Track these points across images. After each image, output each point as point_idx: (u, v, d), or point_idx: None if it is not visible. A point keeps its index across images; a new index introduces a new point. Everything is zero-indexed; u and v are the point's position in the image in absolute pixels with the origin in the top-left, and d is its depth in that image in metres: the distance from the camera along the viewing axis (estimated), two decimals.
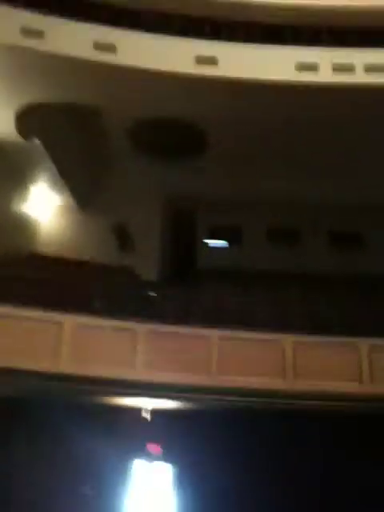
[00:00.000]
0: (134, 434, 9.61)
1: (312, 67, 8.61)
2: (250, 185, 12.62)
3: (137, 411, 9.23)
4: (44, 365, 7.59)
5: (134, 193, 12.80)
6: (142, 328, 8.24)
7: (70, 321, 8.01)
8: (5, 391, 8.57)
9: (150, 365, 8.01)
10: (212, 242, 13.90)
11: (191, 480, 9.81)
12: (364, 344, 8.09)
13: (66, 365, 7.69)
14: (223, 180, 12.65)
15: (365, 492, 8.80)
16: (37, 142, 10.66)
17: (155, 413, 9.25)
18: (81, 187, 12.59)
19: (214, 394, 7.99)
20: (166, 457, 9.93)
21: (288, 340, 8.09)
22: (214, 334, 8.25)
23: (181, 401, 8.54)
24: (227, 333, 8.21)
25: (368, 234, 13.31)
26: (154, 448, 9.93)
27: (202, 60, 8.67)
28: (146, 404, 9.01)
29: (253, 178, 12.47)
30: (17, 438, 9.52)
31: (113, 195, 12.84)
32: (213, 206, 13.37)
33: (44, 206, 12.55)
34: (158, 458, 9.92)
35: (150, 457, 9.93)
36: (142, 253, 12.56)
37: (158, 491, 10.10)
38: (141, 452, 9.82)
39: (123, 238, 12.58)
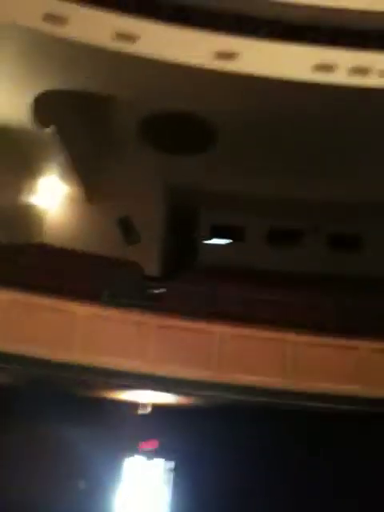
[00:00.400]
0: (132, 428, 9.63)
1: (329, 68, 8.65)
2: (255, 183, 12.69)
3: (136, 405, 9.25)
4: (54, 353, 7.67)
5: (139, 186, 12.84)
6: (150, 321, 8.30)
7: (82, 310, 8.06)
8: (9, 379, 8.60)
9: (155, 358, 8.07)
10: (214, 240, 13.96)
11: (187, 476, 9.84)
12: (364, 345, 8.18)
13: (76, 354, 7.76)
14: (228, 177, 12.71)
15: (363, 489, 8.89)
16: (49, 130, 10.68)
17: (154, 407, 9.27)
18: (88, 178, 12.59)
19: (215, 389, 8.03)
20: (162, 452, 9.96)
21: (289, 338, 8.17)
22: (217, 329, 8.30)
23: (183, 395, 8.56)
24: (230, 329, 8.26)
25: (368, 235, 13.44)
26: (150, 443, 9.95)
27: (221, 55, 8.65)
28: (147, 398, 9.03)
29: (257, 176, 12.55)
30: (15, 427, 9.55)
31: (119, 188, 12.86)
32: (216, 203, 13.43)
33: (51, 196, 12.54)
34: (153, 454, 9.96)
35: (146, 453, 9.96)
36: (144, 246, 12.60)
37: (153, 487, 10.13)
38: (138, 447, 9.85)
39: (127, 230, 12.60)
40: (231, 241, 13.94)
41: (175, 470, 10.00)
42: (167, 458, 10.01)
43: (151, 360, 8.05)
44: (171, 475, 10.04)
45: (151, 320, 8.34)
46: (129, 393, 8.69)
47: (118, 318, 8.30)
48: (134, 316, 8.34)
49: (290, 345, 8.00)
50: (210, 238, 13.96)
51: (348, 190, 12.37)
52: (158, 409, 9.17)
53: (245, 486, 9.38)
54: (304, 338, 8.04)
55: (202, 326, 8.25)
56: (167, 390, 8.34)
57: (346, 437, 8.82)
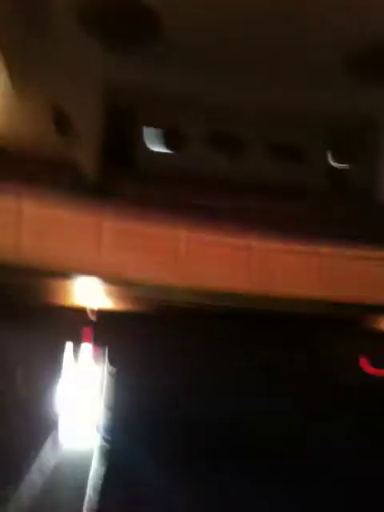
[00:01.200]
0: (78, 334, 9.34)
1: None
2: (199, 83, 11.94)
3: (84, 310, 8.92)
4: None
5: (74, 77, 11.59)
6: (102, 221, 7.88)
7: (29, 210, 7.41)
8: None
9: (109, 259, 7.73)
10: (153, 143, 13.24)
11: (129, 381, 9.79)
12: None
13: (27, 254, 7.16)
14: (170, 74, 11.86)
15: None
16: None
17: (101, 312, 8.99)
18: (15, 65, 11.23)
19: (173, 293, 7.84)
20: (105, 357, 9.80)
21: (254, 244, 8.07)
22: (178, 233, 8.07)
23: (135, 298, 8.30)
24: (192, 234, 8.02)
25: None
26: (94, 348, 9.76)
27: None
28: (95, 302, 8.69)
29: (204, 76, 11.80)
30: None
31: (51, 78, 11.62)
32: (156, 103, 12.58)
33: None
34: (97, 358, 9.79)
35: (89, 355, 9.78)
36: (79, 145, 11.67)
37: (95, 389, 10.03)
38: (80, 350, 9.62)
39: (61, 125, 11.57)
40: (170, 143, 13.28)
41: (117, 374, 9.91)
42: (110, 362, 9.87)
43: (105, 262, 7.66)
44: (112, 379, 9.96)
45: (103, 220, 7.88)
46: (77, 297, 8.28)
47: (68, 217, 7.75)
48: (86, 216, 7.82)
49: (255, 251, 7.85)
50: (151, 142, 13.24)
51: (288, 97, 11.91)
52: (105, 314, 8.89)
53: (188, 392, 9.48)
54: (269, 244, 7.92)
55: (161, 229, 7.90)
56: (118, 293, 8.05)
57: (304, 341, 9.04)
